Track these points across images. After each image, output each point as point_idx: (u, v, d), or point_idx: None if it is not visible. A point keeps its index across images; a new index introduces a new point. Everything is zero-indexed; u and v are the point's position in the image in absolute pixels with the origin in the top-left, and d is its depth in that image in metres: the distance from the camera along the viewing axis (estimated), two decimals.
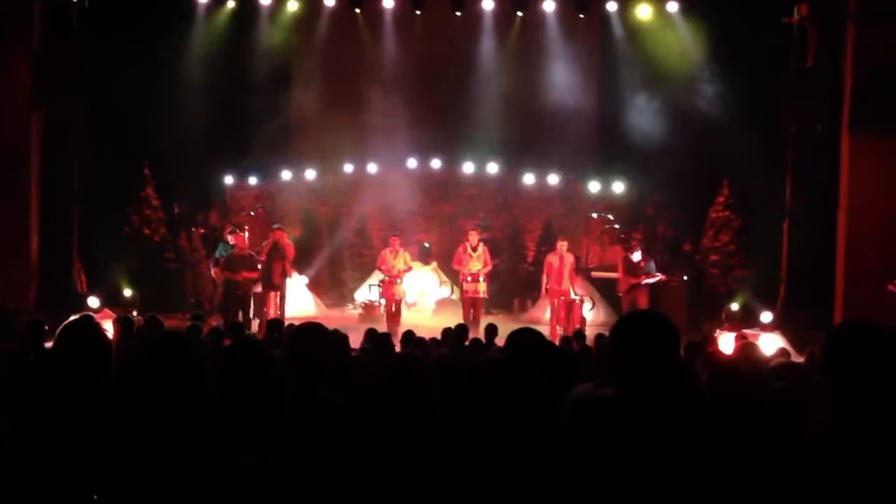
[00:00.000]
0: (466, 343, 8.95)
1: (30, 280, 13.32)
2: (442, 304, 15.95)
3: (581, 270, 15.06)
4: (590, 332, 11.24)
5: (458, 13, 16.09)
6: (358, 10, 16.41)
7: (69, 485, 2.98)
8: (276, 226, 14.25)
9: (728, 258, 15.47)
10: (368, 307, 15.26)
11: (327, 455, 3.33)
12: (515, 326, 3.80)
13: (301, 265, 15.31)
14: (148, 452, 2.54)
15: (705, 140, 14.48)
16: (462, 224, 16.62)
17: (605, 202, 17.02)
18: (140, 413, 2.64)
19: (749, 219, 15.25)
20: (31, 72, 13.05)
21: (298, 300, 14.92)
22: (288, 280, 13.82)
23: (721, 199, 15.59)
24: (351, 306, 16.42)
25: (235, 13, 16.03)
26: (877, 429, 2.46)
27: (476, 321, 12.93)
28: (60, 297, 13.21)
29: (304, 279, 15.56)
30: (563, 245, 13.65)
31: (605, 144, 16.77)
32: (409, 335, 8.77)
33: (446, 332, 9.39)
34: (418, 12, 16.12)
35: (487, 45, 16.81)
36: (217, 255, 14.00)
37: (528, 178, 17.10)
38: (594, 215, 16.98)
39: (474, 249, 13.68)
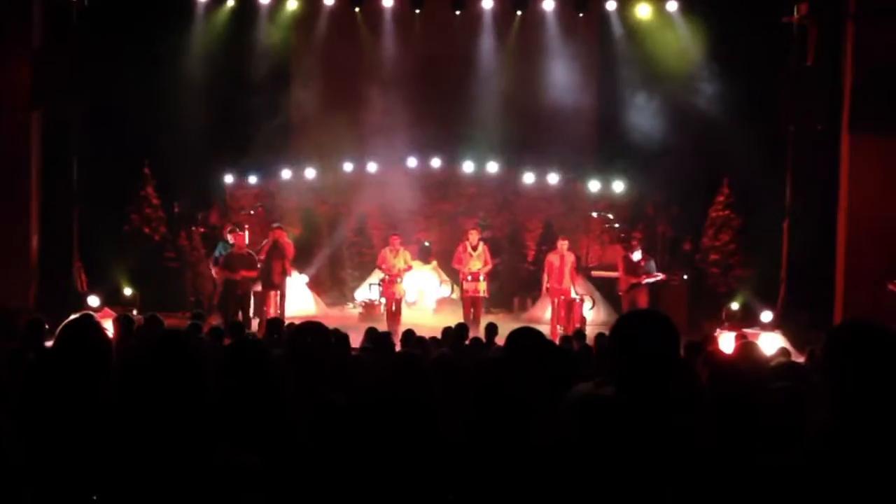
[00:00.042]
0: (466, 342, 8.95)
1: (30, 279, 13.33)
2: (442, 303, 15.95)
3: (581, 270, 15.06)
4: (590, 332, 11.25)
5: (458, 12, 16.10)
6: (357, 9, 16.42)
7: (69, 484, 2.98)
8: (275, 225, 14.25)
9: (728, 257, 15.48)
10: (369, 306, 15.26)
11: (327, 454, 3.33)
12: (515, 326, 3.80)
13: (301, 264, 15.31)
14: (148, 452, 2.54)
15: (705, 139, 14.48)
16: (462, 223, 16.61)
17: (605, 201, 17.02)
18: (140, 412, 2.64)
19: (749, 218, 15.25)
20: (31, 72, 13.04)
21: (298, 299, 14.93)
22: (288, 279, 13.82)
23: (721, 199, 15.59)
24: (351, 305, 16.42)
25: (235, 12, 16.03)
26: (877, 429, 2.46)
27: (476, 320, 12.93)
28: (60, 296, 13.21)
29: (305, 278, 15.56)
30: (563, 244, 13.66)
31: (605, 143, 16.77)
32: (409, 334, 8.77)
33: (446, 331, 9.38)
34: (418, 11, 16.13)
35: (487, 44, 16.80)
36: (216, 254, 14.00)
37: (528, 178, 17.10)
38: (594, 214, 16.98)
39: (474, 248, 13.68)
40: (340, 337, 7.11)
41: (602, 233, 16.94)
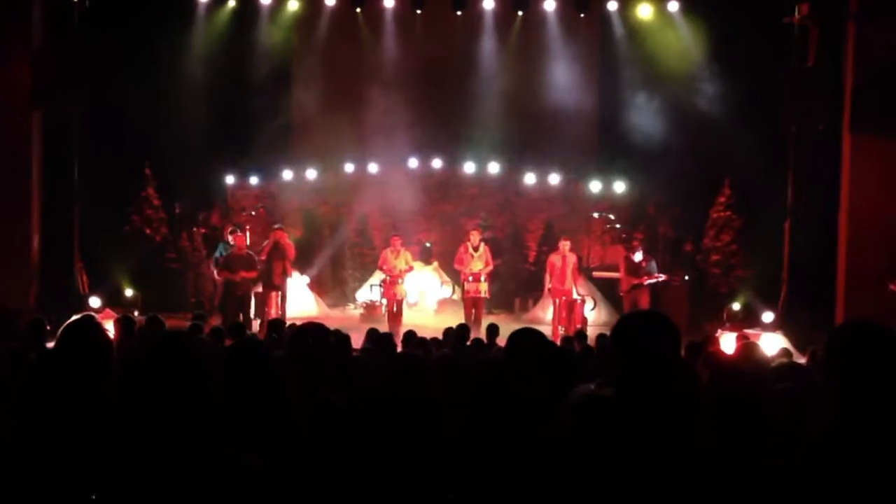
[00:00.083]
0: (468, 343, 8.94)
1: (31, 280, 13.33)
2: (443, 303, 15.94)
3: (582, 270, 15.05)
4: (591, 332, 11.23)
5: (459, 12, 16.10)
6: (358, 10, 16.41)
7: (70, 485, 2.98)
8: (276, 226, 14.24)
9: (729, 258, 15.47)
10: (370, 307, 15.26)
11: (329, 455, 3.33)
12: (517, 326, 3.80)
13: (302, 265, 15.32)
14: (149, 453, 2.54)
15: (706, 140, 14.47)
16: (463, 224, 16.61)
17: (607, 202, 17.01)
18: (141, 413, 2.64)
19: (750, 218, 15.25)
20: (31, 71, 13.04)
21: (300, 300, 14.93)
22: (289, 280, 13.82)
23: (722, 199, 15.59)
24: (352, 306, 16.42)
25: (236, 12, 16.03)
26: (879, 429, 2.45)
27: (477, 321, 12.92)
28: (62, 297, 13.22)
29: (306, 279, 15.56)
30: (565, 245, 13.65)
31: (606, 144, 16.76)
32: (410, 335, 8.77)
33: (448, 332, 9.39)
34: (419, 11, 16.12)
35: (488, 44, 16.80)
36: (217, 254, 13.99)
37: (529, 178, 17.09)
38: (595, 215, 16.98)
39: (475, 249, 13.67)
40: (341, 338, 7.10)
41: (603, 233, 16.94)
